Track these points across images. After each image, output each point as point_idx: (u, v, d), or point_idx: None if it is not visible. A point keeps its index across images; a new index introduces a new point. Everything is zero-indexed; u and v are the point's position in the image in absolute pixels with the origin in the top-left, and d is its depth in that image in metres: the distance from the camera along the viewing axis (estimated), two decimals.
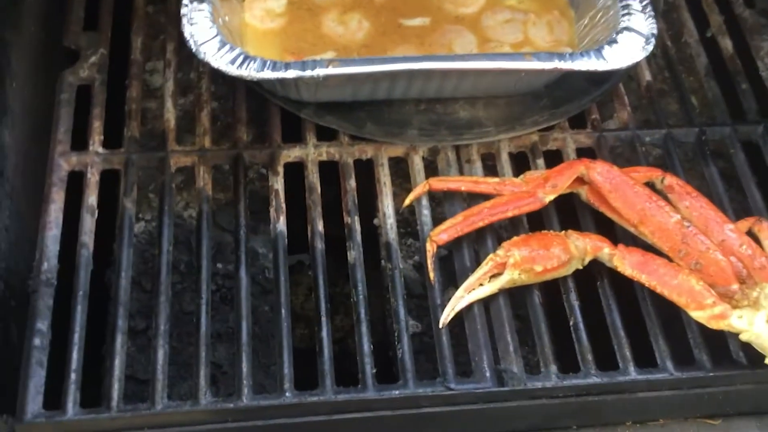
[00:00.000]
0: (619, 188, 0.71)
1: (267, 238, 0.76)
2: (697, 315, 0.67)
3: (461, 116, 0.79)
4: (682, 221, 0.69)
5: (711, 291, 0.66)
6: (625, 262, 0.68)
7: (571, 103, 0.80)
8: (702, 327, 0.69)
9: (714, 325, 0.66)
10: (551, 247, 0.68)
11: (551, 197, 0.72)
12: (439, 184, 0.74)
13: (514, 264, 0.68)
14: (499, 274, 0.69)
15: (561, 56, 0.71)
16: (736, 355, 0.69)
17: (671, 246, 0.69)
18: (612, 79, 0.81)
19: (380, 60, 0.69)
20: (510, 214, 0.72)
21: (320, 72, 0.68)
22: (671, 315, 0.73)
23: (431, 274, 0.70)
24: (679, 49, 0.90)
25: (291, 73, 0.68)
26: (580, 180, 0.73)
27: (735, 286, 0.67)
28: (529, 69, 0.70)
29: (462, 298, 0.68)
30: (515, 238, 0.70)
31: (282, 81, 0.71)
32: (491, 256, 0.69)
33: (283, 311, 0.68)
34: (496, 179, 0.75)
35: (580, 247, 0.69)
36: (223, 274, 0.85)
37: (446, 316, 0.67)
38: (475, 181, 0.75)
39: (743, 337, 0.66)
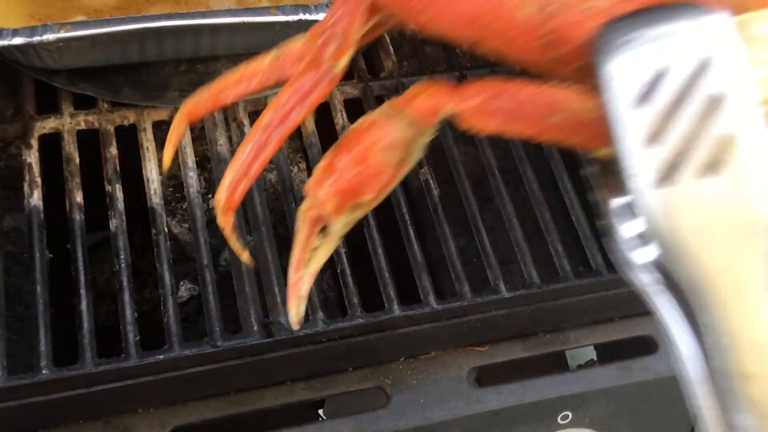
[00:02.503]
0: None
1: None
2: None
3: (223, 74, 0.78)
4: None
5: None
6: (484, 112, 0.45)
7: None
8: (463, 264, 0.74)
9: None
10: (372, 153, 0.48)
11: (344, 62, 0.48)
12: (196, 108, 0.54)
13: (335, 209, 0.50)
14: (327, 227, 0.53)
15: (306, 9, 0.72)
16: (494, 284, 0.73)
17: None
18: None
19: (117, 21, 0.68)
20: (297, 116, 0.48)
21: (51, 36, 0.66)
22: (437, 255, 0.77)
23: (243, 257, 0.59)
24: None
25: (18, 40, 0.66)
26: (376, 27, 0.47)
27: None
28: (274, 21, 0.71)
29: (301, 278, 0.54)
30: (316, 171, 0.51)
31: (20, 49, 0.68)
32: (300, 213, 0.54)
33: (38, 288, 0.66)
34: (269, 58, 0.52)
35: (414, 119, 0.47)
36: None
37: (296, 310, 0.54)
38: (238, 80, 0.53)
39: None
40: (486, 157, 0.80)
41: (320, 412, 0.74)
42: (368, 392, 0.72)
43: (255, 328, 0.68)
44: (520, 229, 0.77)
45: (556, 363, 0.85)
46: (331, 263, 0.74)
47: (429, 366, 0.74)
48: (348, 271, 0.72)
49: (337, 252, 0.73)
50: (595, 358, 0.88)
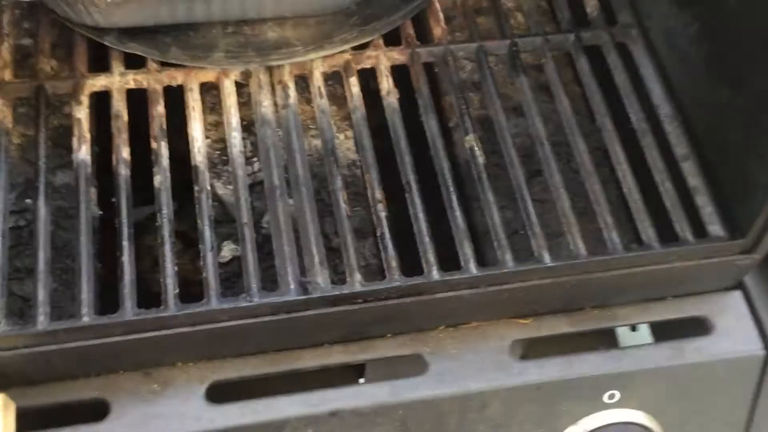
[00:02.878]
0: None
1: None
2: None
3: (269, 37, 0.78)
4: None
5: None
6: None
7: (381, 20, 0.80)
8: (508, 236, 0.71)
9: None
10: None
11: None
12: None
13: None
14: None
15: None
16: (538, 253, 0.71)
17: None
18: None
19: None
20: None
21: None
22: (482, 227, 0.75)
23: None
24: None
25: None
26: None
27: None
28: None
29: None
30: None
31: (70, 5, 0.70)
32: None
33: (83, 238, 0.67)
34: None
35: None
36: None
37: None
38: None
39: None
40: (535, 128, 0.78)
41: (360, 381, 0.73)
42: (407, 359, 0.71)
43: (291, 286, 0.67)
44: (569, 200, 0.74)
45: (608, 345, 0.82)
46: (373, 231, 0.73)
47: (469, 336, 0.72)
48: (387, 235, 0.70)
49: (377, 216, 0.72)
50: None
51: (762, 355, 0.74)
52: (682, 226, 0.74)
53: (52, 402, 0.65)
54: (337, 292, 0.67)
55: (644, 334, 0.89)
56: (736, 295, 0.76)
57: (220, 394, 0.68)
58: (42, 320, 0.63)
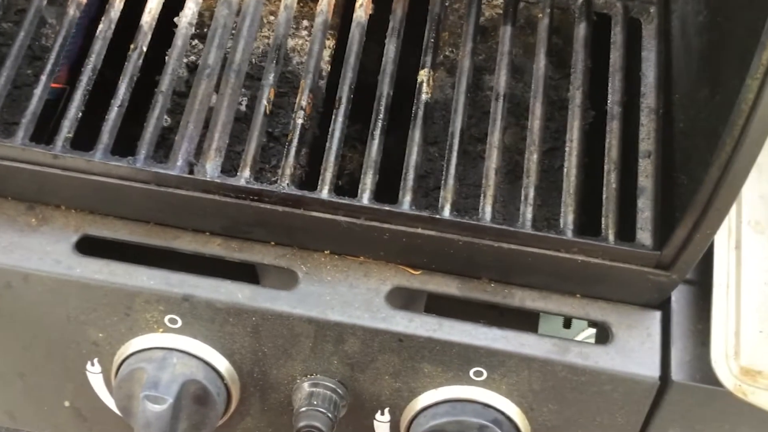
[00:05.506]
0: None
1: None
2: None
3: None
4: None
5: None
6: None
7: None
8: (419, 178, 0.67)
9: None
10: None
11: None
12: None
13: None
14: None
15: None
16: (441, 205, 0.66)
17: None
18: None
19: None
20: None
21: None
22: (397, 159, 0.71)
23: None
24: None
25: None
26: None
27: None
28: None
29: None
30: None
31: None
32: None
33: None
34: None
35: None
36: None
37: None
38: None
39: None
40: (498, 81, 0.72)
41: None
42: (281, 271, 0.69)
43: (179, 162, 0.67)
44: (497, 161, 0.69)
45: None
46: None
47: (351, 268, 0.69)
48: (294, 142, 0.68)
49: (294, 121, 0.69)
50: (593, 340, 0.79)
51: (654, 382, 0.67)
52: (608, 223, 0.68)
53: None
54: (218, 181, 0.66)
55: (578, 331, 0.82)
56: (654, 315, 0.69)
57: (90, 247, 0.69)
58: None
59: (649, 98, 0.73)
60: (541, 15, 0.76)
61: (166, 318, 0.68)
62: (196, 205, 0.67)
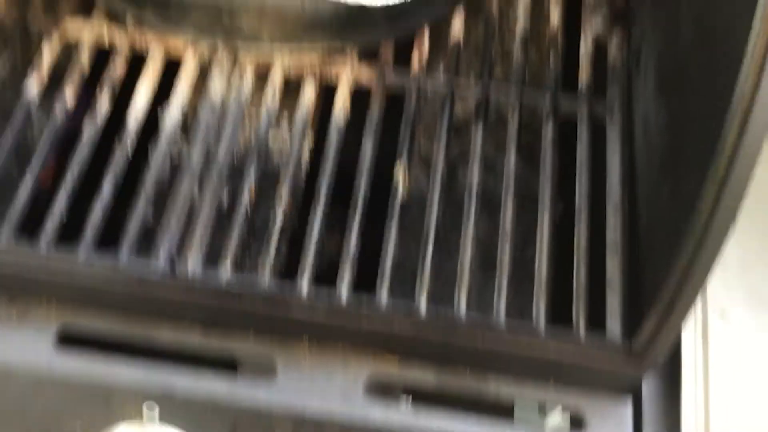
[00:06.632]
0: None
1: None
2: None
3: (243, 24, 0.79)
4: None
5: None
6: None
7: (358, 32, 0.80)
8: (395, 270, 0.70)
9: None
10: None
11: None
12: None
13: None
14: None
15: None
16: (417, 299, 0.68)
17: None
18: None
19: None
20: None
21: None
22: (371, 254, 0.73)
23: None
24: None
25: None
26: None
27: None
28: None
29: None
30: None
31: None
32: None
33: None
34: None
35: None
36: None
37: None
38: None
39: None
40: (470, 175, 0.76)
41: None
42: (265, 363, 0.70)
43: (160, 259, 0.68)
44: (471, 253, 0.71)
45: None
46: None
47: (329, 357, 0.70)
48: (274, 236, 0.71)
49: (273, 215, 0.72)
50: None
51: None
52: (578, 313, 0.70)
53: None
54: (199, 282, 0.67)
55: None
56: (626, 402, 0.70)
57: (69, 338, 0.70)
58: None
59: (614, 194, 0.76)
60: (510, 116, 0.80)
61: (145, 408, 0.69)
62: (178, 304, 0.68)
